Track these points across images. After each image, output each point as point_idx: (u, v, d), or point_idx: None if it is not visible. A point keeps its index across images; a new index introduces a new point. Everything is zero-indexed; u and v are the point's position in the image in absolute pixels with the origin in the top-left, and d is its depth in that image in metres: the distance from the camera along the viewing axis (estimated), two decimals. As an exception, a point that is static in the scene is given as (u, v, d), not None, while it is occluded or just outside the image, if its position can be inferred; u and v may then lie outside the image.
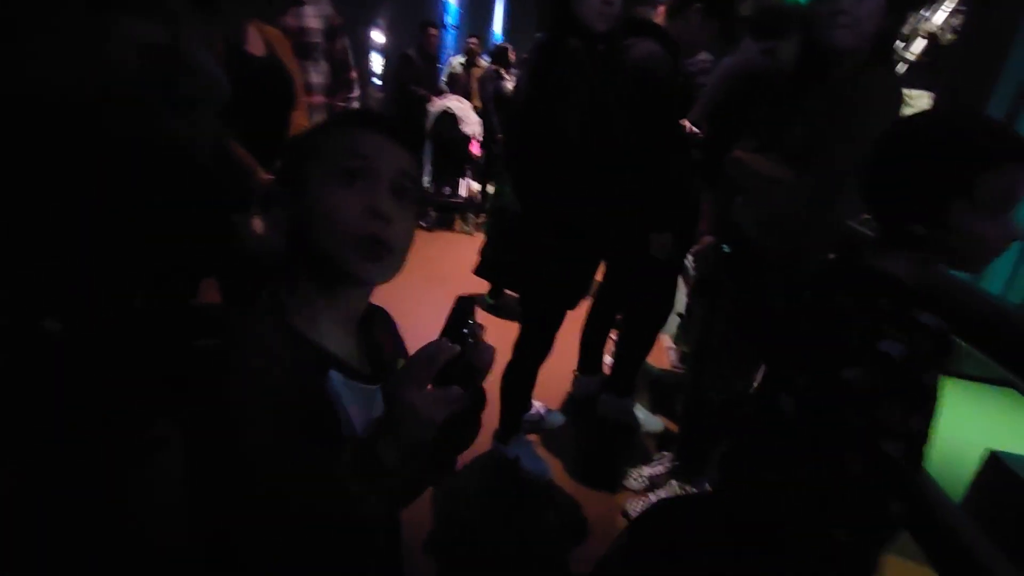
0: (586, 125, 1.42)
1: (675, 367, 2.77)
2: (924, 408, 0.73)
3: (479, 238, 2.12)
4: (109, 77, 1.22)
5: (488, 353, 0.59)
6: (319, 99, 2.15)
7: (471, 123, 4.41)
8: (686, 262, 2.13)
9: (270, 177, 1.77)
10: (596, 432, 2.20)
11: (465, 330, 0.58)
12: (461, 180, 4.60)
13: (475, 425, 0.68)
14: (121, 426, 1.34)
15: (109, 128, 1.27)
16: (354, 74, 2.26)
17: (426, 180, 4.76)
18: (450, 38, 6.12)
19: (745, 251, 1.41)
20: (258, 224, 1.71)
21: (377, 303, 0.74)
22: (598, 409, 2.27)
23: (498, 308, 3.10)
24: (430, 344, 0.55)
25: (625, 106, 1.60)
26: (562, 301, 1.67)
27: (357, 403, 0.62)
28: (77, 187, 1.27)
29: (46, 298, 1.28)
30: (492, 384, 1.74)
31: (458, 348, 0.56)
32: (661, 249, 1.87)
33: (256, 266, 1.84)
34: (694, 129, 1.98)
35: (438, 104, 4.43)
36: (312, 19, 2.09)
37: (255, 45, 1.75)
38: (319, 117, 2.15)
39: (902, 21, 1.37)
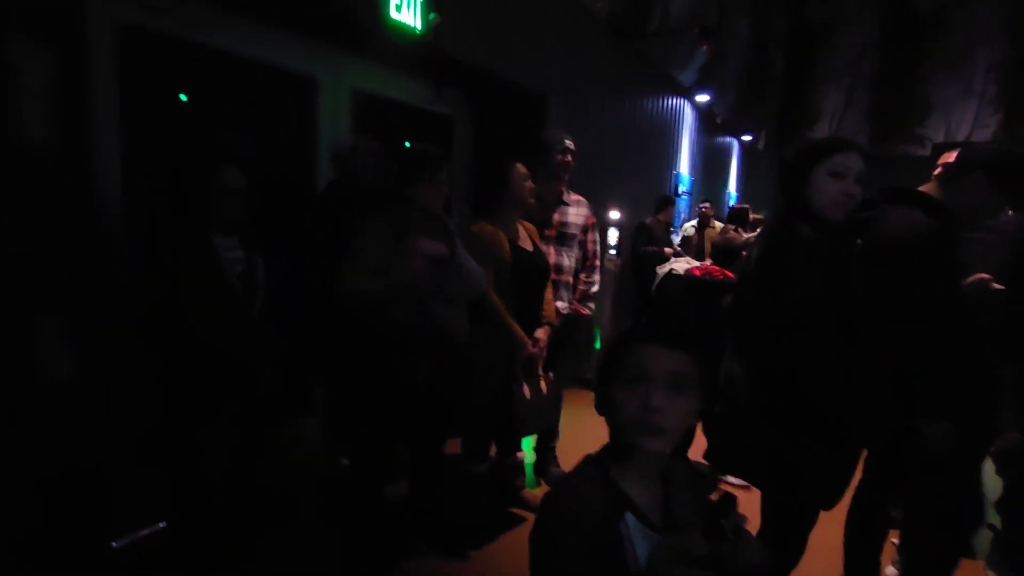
0: (818, 312, 1.33)
1: (1001, 598, 2.02)
2: None
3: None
4: (403, 280, 1.67)
5: (751, 549, 0.73)
6: (567, 279, 2.54)
7: (696, 283, 4.41)
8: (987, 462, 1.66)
9: (533, 349, 2.14)
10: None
11: (723, 523, 0.73)
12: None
13: None
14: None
15: (396, 319, 1.70)
16: (597, 262, 2.62)
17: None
18: (683, 204, 6.45)
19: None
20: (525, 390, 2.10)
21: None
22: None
23: None
24: (683, 535, 0.74)
25: (872, 283, 1.47)
26: (813, 502, 1.44)
27: (645, 545, 0.81)
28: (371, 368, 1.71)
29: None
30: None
31: (706, 547, 0.70)
32: (937, 441, 1.51)
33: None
34: (994, 285, 1.67)
35: (665, 266, 4.59)
36: (573, 216, 2.57)
37: (525, 240, 2.24)
38: (566, 293, 2.52)
39: None
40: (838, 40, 9.76)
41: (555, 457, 2.79)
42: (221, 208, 1.70)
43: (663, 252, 4.73)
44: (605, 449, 0.91)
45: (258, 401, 1.83)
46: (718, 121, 7.52)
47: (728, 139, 8.53)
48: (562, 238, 2.51)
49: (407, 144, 3.12)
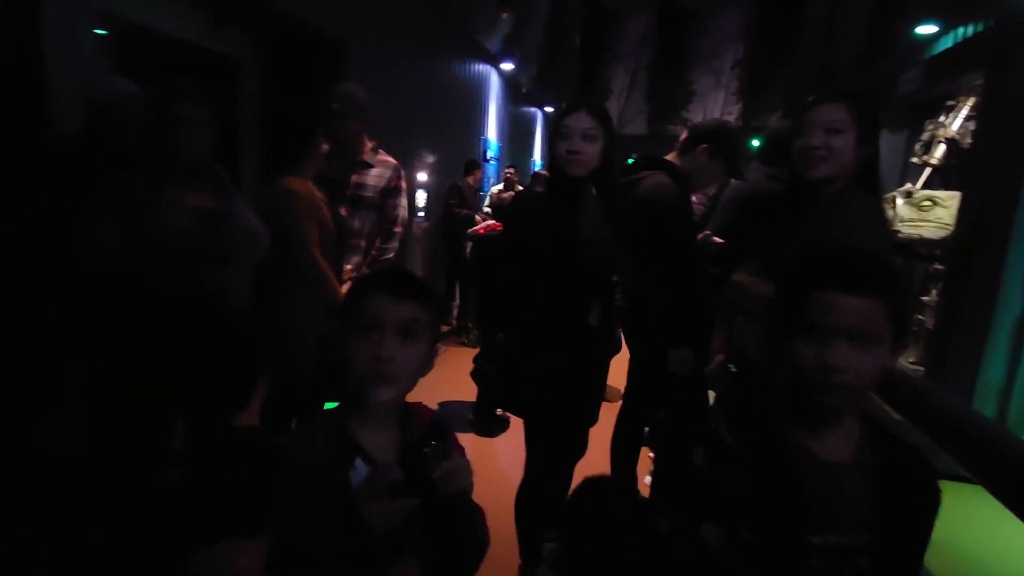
0: (545, 254, 1.55)
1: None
2: None
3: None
4: (164, 239, 1.49)
5: (452, 469, 0.78)
6: (359, 242, 2.46)
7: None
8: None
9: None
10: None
11: (426, 449, 0.77)
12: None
13: (465, 533, 0.85)
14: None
15: (160, 282, 1.52)
16: (398, 229, 2.53)
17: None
18: (491, 169, 6.71)
19: (750, 372, 1.42)
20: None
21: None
22: (637, 533, 2.17)
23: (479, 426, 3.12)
24: (380, 467, 0.79)
25: (632, 234, 1.75)
26: (580, 421, 1.70)
27: None
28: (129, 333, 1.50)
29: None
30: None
31: (398, 473, 0.76)
32: (681, 365, 1.89)
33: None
34: (716, 240, 2.09)
35: (479, 230, 4.77)
36: (374, 179, 2.46)
37: None
38: (356, 257, 2.45)
39: (877, 150, 1.46)
40: (624, 26, 10.88)
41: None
42: None
43: (474, 216, 4.90)
44: (341, 398, 0.91)
45: None
46: (523, 91, 7.90)
47: (533, 109, 9.03)
48: (356, 200, 2.42)
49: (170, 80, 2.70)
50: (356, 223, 2.43)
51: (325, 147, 2.14)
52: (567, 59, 9.23)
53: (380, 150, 2.53)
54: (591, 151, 1.54)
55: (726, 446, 0.83)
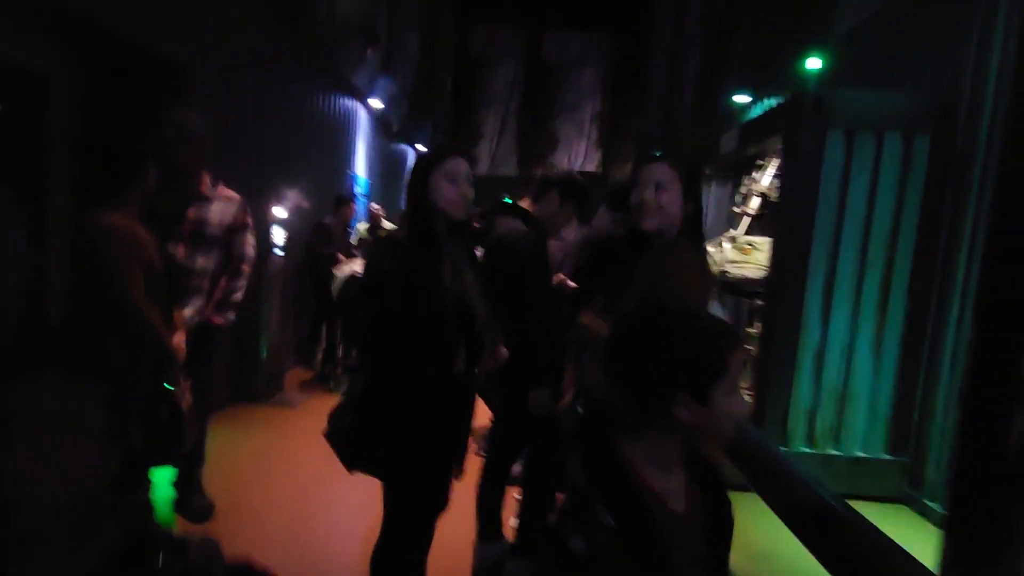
0: (419, 306, 1.48)
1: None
2: None
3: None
4: None
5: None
6: (199, 282, 2.23)
7: (377, 284, 4.51)
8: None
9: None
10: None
11: None
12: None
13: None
14: None
15: None
16: (246, 267, 2.36)
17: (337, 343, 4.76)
18: (360, 206, 6.53)
19: (595, 411, 1.48)
20: None
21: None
22: (504, 579, 2.12)
23: None
24: None
25: (488, 278, 1.76)
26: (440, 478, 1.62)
27: None
28: None
29: None
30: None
31: None
32: (540, 406, 1.92)
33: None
34: (569, 283, 2.19)
35: (345, 269, 4.54)
36: (216, 214, 2.26)
37: None
38: (198, 299, 2.20)
39: (699, 205, 1.64)
40: (493, 73, 11.43)
41: (201, 486, 2.45)
42: None
43: (339, 258, 4.66)
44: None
45: None
46: (394, 129, 7.88)
47: (404, 146, 9.02)
48: (197, 237, 2.21)
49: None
50: (199, 262, 2.21)
51: (153, 179, 1.91)
52: (439, 100, 9.42)
53: (220, 184, 2.33)
54: (472, 194, 1.56)
55: (603, 529, 0.80)
